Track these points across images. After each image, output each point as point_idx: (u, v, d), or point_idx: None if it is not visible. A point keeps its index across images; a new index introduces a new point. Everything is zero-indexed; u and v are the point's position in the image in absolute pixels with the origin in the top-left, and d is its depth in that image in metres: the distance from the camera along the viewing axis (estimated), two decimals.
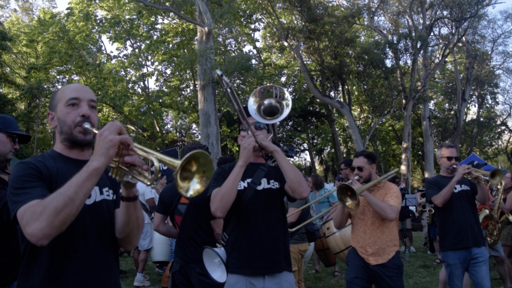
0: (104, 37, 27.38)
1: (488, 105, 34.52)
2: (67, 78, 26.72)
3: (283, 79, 29.24)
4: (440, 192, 4.43)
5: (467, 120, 33.60)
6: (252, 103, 2.83)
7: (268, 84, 2.97)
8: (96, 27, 24.60)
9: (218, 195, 2.77)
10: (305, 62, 24.37)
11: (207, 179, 1.62)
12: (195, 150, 1.58)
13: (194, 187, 1.60)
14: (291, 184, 2.80)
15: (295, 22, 24.90)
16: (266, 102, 2.88)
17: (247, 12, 24.85)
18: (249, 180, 2.94)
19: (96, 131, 1.79)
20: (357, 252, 4.02)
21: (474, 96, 32.61)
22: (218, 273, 3.14)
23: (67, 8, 24.43)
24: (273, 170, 3.00)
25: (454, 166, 4.52)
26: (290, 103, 2.86)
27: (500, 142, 36.60)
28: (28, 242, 1.70)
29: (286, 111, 2.84)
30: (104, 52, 29.14)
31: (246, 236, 2.88)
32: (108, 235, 1.93)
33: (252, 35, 27.87)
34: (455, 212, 4.47)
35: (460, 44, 27.52)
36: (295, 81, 29.73)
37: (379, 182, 4.07)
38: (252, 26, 26.82)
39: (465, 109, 30.31)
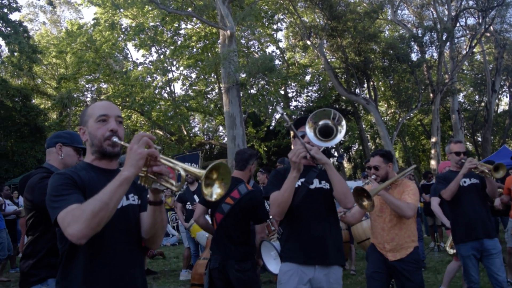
0: (129, 45, 27.89)
1: None
2: (95, 87, 27.39)
3: (307, 78, 29.17)
4: (448, 186, 4.54)
5: (498, 112, 32.71)
6: (308, 131, 2.98)
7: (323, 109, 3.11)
8: (122, 36, 25.14)
9: (276, 202, 3.05)
10: (329, 60, 24.25)
11: (225, 184, 1.87)
12: (217, 161, 1.85)
13: (216, 191, 1.86)
14: (337, 195, 3.10)
15: (317, 20, 24.80)
16: (321, 122, 3.00)
17: (269, 13, 24.93)
18: (302, 179, 3.17)
19: (124, 144, 2.04)
20: (376, 247, 4.09)
21: (505, 87, 31.68)
22: (273, 265, 3.50)
23: (93, 19, 25.04)
24: (324, 172, 3.17)
25: (463, 160, 4.62)
26: (344, 130, 2.99)
27: None
28: (67, 243, 1.92)
29: (339, 136, 2.99)
30: (130, 59, 29.74)
31: (299, 230, 3.13)
32: (135, 236, 2.14)
33: (275, 35, 27.95)
34: (465, 205, 4.57)
35: (488, 34, 26.81)
36: (320, 80, 29.59)
37: (396, 180, 4.10)
38: (275, 27, 26.91)
39: (496, 100, 29.50)
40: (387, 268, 3.95)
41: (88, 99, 26.88)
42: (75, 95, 25.31)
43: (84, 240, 1.73)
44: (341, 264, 3.20)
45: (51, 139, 3.07)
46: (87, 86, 27.58)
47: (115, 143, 2.08)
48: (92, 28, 25.23)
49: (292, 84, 27.93)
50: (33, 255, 2.66)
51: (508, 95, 32.57)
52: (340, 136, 2.98)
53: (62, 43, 26.16)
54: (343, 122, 3.00)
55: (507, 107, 33.35)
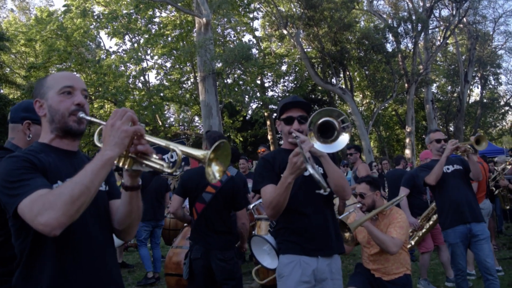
0: (102, 33, 27.27)
1: (491, 86, 34.17)
2: None
3: (283, 67, 29.09)
4: (432, 170, 4.54)
5: (470, 102, 33.35)
6: (312, 141, 2.81)
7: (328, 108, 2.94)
8: (94, 23, 24.40)
9: (271, 204, 2.76)
10: (305, 50, 24.18)
11: (220, 162, 1.72)
12: (221, 140, 1.71)
13: (216, 169, 1.71)
14: (334, 188, 2.91)
15: (294, 9, 24.66)
16: (319, 122, 2.85)
17: (245, 1, 24.62)
18: None
19: (93, 120, 1.82)
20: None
21: (476, 78, 32.30)
22: (268, 260, 3.31)
23: (64, 5, 24.20)
24: (315, 157, 3.00)
25: (444, 147, 4.66)
26: (346, 121, 2.83)
27: (504, 123, 36.40)
28: (27, 238, 1.67)
29: (344, 137, 2.83)
30: (103, 48, 28.99)
31: (298, 219, 2.92)
32: (106, 226, 1.91)
33: (251, 24, 27.66)
34: (450, 190, 4.58)
35: (461, 26, 27.21)
36: (296, 69, 29.55)
37: (384, 209, 3.94)
38: (251, 15, 26.61)
39: (468, 91, 30.07)
40: (373, 280, 3.88)
41: None
42: None
43: (59, 230, 1.47)
44: (341, 252, 3.06)
45: (16, 112, 2.54)
46: None
47: (82, 119, 1.82)
48: (62, 15, 24.41)
49: (269, 74, 27.80)
50: (3, 260, 2.15)
51: (479, 85, 33.27)
52: (344, 137, 2.83)
53: (31, 30, 25.26)
54: (347, 123, 2.84)
55: (478, 98, 34.06)
